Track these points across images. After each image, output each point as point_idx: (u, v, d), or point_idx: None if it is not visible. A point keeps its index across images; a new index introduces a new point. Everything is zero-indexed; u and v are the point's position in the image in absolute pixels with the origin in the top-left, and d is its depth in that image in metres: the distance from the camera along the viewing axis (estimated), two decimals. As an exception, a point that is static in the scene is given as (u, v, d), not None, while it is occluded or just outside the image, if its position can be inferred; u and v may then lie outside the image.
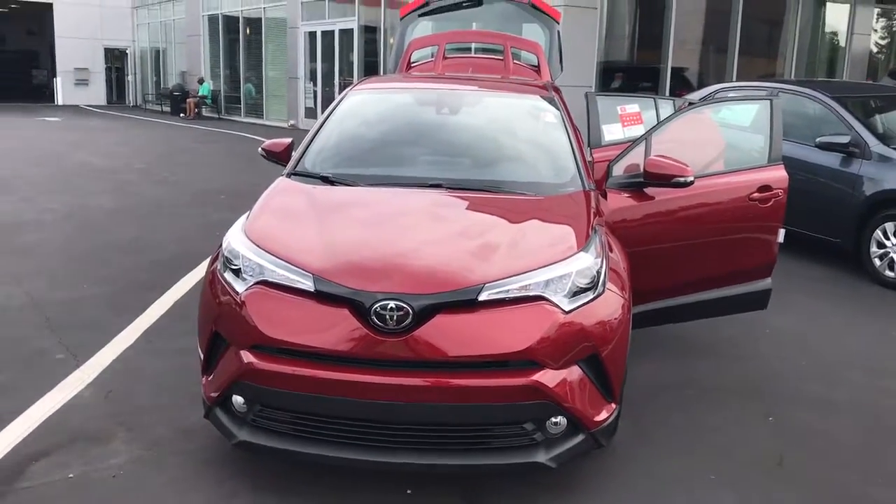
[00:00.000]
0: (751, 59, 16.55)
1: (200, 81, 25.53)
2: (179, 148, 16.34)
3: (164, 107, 28.22)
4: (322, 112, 4.61)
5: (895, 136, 7.02)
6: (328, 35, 20.22)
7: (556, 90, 4.81)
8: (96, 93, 31.73)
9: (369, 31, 19.09)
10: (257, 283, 3.08)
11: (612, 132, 5.36)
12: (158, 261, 6.71)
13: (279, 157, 4.31)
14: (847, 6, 18.02)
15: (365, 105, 4.64)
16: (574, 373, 2.98)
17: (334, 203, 3.66)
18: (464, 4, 6.55)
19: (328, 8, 20.19)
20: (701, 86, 12.80)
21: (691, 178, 3.93)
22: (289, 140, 4.42)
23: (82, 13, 30.39)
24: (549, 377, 2.90)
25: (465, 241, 3.29)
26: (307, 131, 4.27)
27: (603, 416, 3.08)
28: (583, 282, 3.08)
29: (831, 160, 6.95)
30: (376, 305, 2.86)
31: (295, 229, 3.39)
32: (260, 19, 23.30)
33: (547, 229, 3.44)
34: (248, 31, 24.28)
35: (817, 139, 7.00)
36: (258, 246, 3.20)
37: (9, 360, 4.45)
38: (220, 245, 3.41)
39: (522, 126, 4.53)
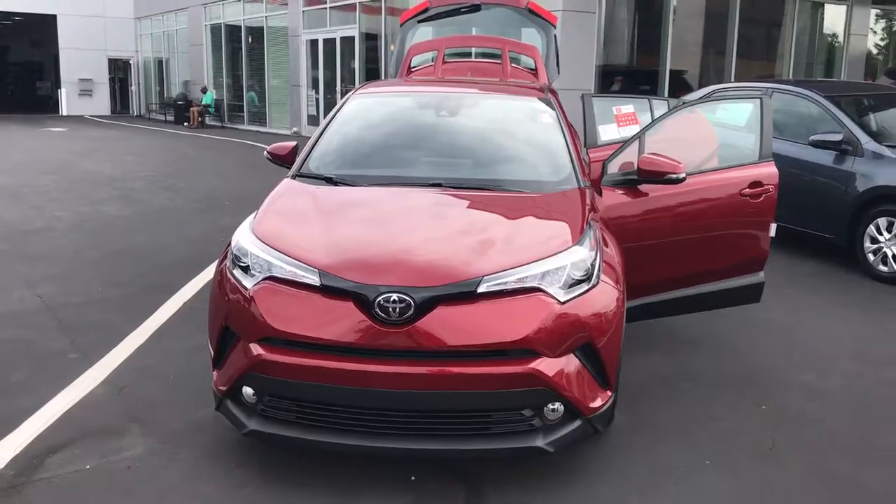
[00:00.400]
0: (749, 62, 16.71)
1: (204, 90, 25.71)
2: (184, 156, 16.51)
3: (167, 116, 28.43)
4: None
5: (888, 133, 7.15)
6: (330, 43, 20.40)
7: (553, 92, 4.95)
8: (100, 103, 31.98)
9: (370, 39, 19.26)
10: (265, 278, 3.21)
11: (608, 132, 5.48)
12: (166, 265, 6.85)
13: (284, 160, 4.45)
14: (844, 7, 18.16)
15: (367, 108, 4.78)
16: (570, 361, 3.10)
17: (338, 202, 3.80)
18: (462, 10, 6.68)
19: (329, 16, 20.37)
20: (700, 88, 12.93)
21: (683, 175, 4.06)
22: (293, 143, 4.55)
23: (86, 24, 30.67)
24: (546, 365, 3.03)
25: (465, 236, 3.42)
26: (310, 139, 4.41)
27: (598, 402, 3.21)
28: (577, 274, 3.21)
29: (825, 158, 7.08)
30: (379, 298, 2.99)
31: (300, 227, 3.52)
32: (262, 28, 23.50)
33: (543, 225, 3.56)
34: (250, 39, 24.48)
35: (811, 137, 7.13)
36: (265, 243, 3.34)
37: (24, 360, 4.59)
38: (229, 244, 3.55)
39: (519, 127, 4.66)
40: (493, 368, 3.02)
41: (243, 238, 3.45)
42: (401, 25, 6.97)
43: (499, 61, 6.32)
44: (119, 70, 32.95)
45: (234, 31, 25.19)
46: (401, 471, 3.35)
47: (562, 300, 3.11)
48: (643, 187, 4.31)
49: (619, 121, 5.57)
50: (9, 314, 5.44)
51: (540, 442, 3.09)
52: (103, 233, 8.23)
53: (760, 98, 4.69)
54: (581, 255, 3.27)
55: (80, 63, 30.87)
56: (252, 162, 14.93)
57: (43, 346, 4.83)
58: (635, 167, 4.21)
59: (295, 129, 21.62)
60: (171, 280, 6.26)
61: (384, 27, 18.47)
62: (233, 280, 3.31)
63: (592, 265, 3.28)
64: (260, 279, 3.22)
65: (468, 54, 8.34)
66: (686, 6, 15.99)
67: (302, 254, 3.23)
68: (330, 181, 3.96)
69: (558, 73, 6.75)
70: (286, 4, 21.68)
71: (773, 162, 4.56)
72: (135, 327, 5.14)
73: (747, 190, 4.47)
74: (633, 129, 5.40)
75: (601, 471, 3.43)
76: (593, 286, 3.23)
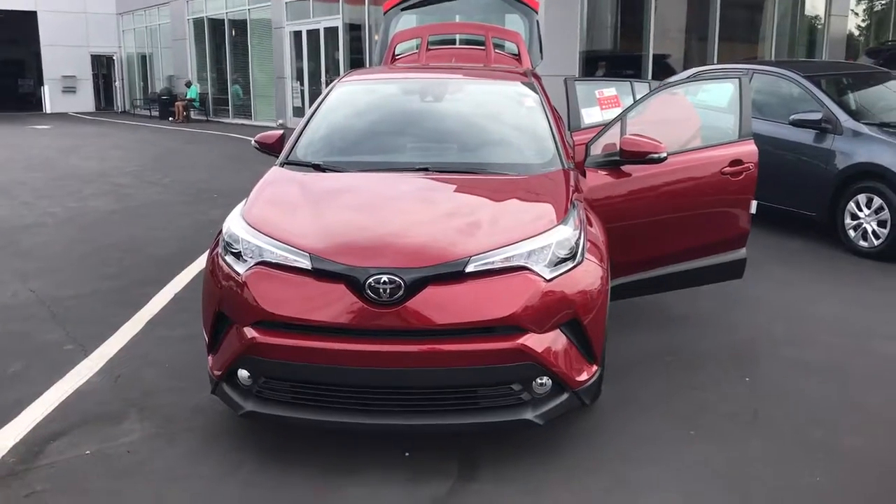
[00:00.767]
0: (732, 45, 16.81)
1: (188, 85, 25.63)
2: (170, 150, 16.49)
3: (152, 111, 28.29)
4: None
5: (866, 111, 7.26)
6: (313, 34, 20.37)
7: (536, 76, 5.02)
8: (84, 100, 31.81)
9: (354, 29, 19.24)
10: (257, 263, 3.28)
11: (592, 115, 5.55)
12: (157, 257, 6.90)
13: (271, 149, 4.50)
14: (824, -12, 18.29)
15: (352, 96, 4.84)
16: (557, 337, 3.19)
17: (326, 188, 3.86)
18: (445, -3, 6.74)
19: (312, 7, 20.33)
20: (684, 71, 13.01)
21: (664, 155, 4.15)
22: (280, 132, 4.61)
23: (67, 20, 30.45)
24: (533, 341, 3.12)
25: (452, 219, 3.50)
26: (296, 131, 4.46)
27: (585, 376, 3.30)
28: (562, 252, 3.29)
29: (806, 137, 7.18)
30: (370, 280, 3.07)
31: (290, 213, 3.58)
32: (245, 21, 23.42)
33: (528, 206, 3.64)
34: (233, 32, 24.39)
35: (791, 116, 7.23)
36: (256, 229, 3.41)
37: (20, 351, 4.64)
38: (220, 231, 3.62)
39: (504, 111, 4.72)
40: (482, 345, 3.10)
41: (234, 225, 3.52)
42: (384, 14, 7.01)
43: (482, 48, 6.38)
44: (102, 66, 32.77)
45: (217, 24, 25.09)
46: (394, 448, 3.43)
47: (547, 278, 3.19)
48: (626, 168, 4.39)
49: (601, 104, 5.65)
50: (2, 308, 5.48)
51: (529, 415, 3.18)
52: (94, 227, 8.26)
53: (739, 78, 4.77)
54: (565, 234, 3.36)
55: (62, 60, 30.67)
56: (238, 155, 14.94)
57: (38, 338, 4.88)
58: (618, 148, 4.29)
59: (280, 121, 21.58)
60: (163, 271, 6.31)
61: (367, 17, 18.46)
62: (225, 266, 3.38)
63: (577, 244, 3.36)
64: (252, 264, 3.29)
65: (452, 41, 8.39)
66: (668, -9, 16.08)
67: (293, 238, 3.30)
68: (318, 168, 4.03)
69: (541, 58, 6.81)
70: (269, -4, 21.63)
71: (752, 140, 4.65)
72: (128, 318, 5.20)
73: (728, 168, 4.56)
74: (615, 112, 5.46)
75: (589, 443, 3.52)
76: (578, 264, 3.32)
